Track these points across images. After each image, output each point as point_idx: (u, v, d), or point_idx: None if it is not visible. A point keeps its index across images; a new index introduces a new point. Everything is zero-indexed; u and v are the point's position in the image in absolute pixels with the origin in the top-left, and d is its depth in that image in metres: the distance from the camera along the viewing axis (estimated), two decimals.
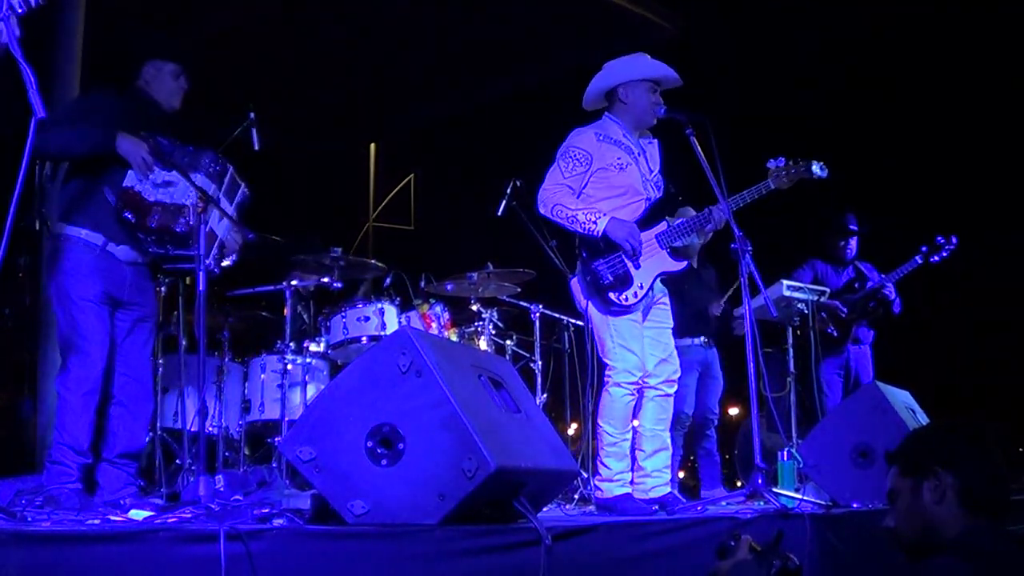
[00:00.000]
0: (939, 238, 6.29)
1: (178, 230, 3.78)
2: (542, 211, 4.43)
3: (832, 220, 6.84)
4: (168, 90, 4.16)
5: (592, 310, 4.43)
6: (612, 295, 4.32)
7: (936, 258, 6.29)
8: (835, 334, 6.56)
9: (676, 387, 4.50)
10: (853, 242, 6.83)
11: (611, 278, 4.32)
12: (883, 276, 6.69)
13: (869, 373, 6.68)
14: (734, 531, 2.58)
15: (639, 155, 4.48)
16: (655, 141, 4.61)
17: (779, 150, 4.50)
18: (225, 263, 4.96)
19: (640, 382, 4.35)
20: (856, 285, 6.70)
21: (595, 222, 4.28)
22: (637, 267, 4.33)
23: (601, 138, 4.42)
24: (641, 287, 4.33)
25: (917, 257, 6.36)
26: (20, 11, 2.88)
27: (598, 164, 4.38)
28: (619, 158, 4.40)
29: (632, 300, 4.32)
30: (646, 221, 4.41)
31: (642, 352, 4.35)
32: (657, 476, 4.40)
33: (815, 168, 4.44)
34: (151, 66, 4.14)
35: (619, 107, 4.49)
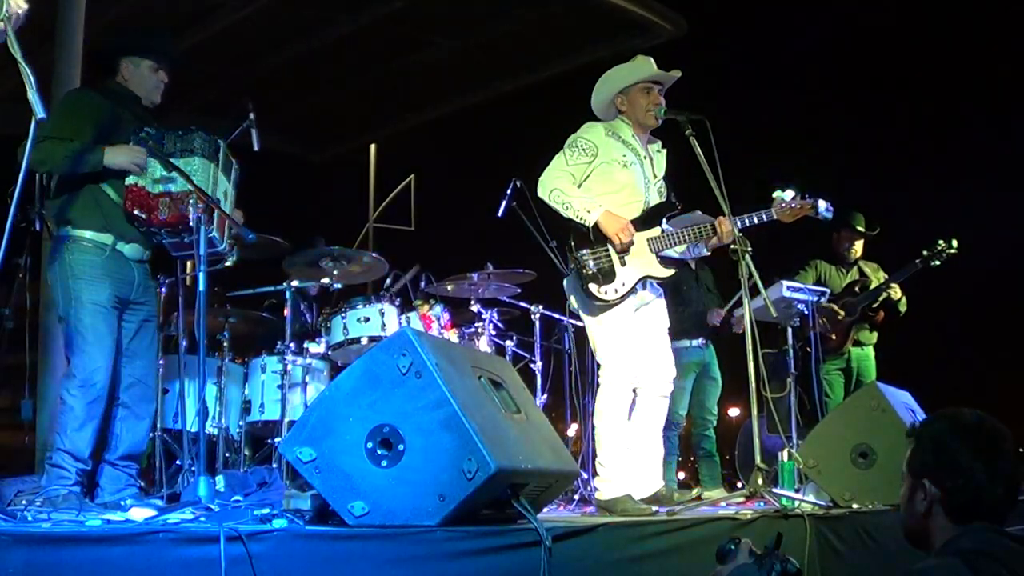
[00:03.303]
0: (939, 241, 6.29)
1: (191, 216, 3.77)
2: (540, 193, 4.46)
3: (840, 220, 6.83)
4: (148, 86, 4.16)
5: (580, 309, 4.45)
6: (592, 287, 4.33)
7: (937, 261, 6.29)
8: (833, 337, 6.55)
9: (671, 388, 4.51)
10: (859, 243, 6.83)
11: (594, 269, 4.33)
12: (885, 279, 6.69)
13: (872, 375, 6.67)
14: (733, 535, 2.57)
15: (645, 159, 4.54)
16: (665, 150, 4.65)
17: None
18: (227, 264, 4.96)
19: (634, 381, 4.36)
20: (857, 288, 6.70)
21: (589, 211, 4.31)
22: (623, 264, 4.34)
23: (610, 134, 4.50)
24: (623, 284, 4.34)
25: (917, 260, 6.36)
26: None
27: (603, 158, 4.42)
28: (624, 155, 4.46)
29: (613, 296, 4.33)
30: (642, 223, 4.43)
31: (635, 352, 4.36)
32: (650, 476, 4.42)
33: (821, 208, 4.42)
34: (129, 62, 4.13)
35: (624, 114, 4.57)
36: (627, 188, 4.43)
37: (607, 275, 4.33)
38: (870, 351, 6.75)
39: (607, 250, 4.34)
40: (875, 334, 6.74)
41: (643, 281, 4.40)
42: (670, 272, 4.44)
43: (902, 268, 6.50)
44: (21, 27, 2.84)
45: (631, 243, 4.32)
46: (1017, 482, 2.22)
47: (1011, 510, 2.22)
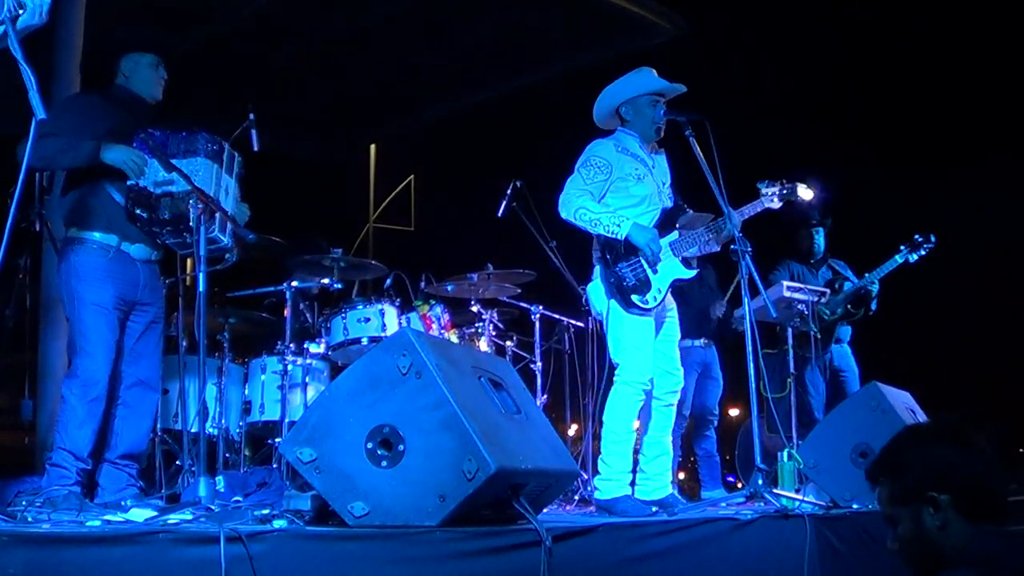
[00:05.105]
0: (917, 236, 6.27)
1: (192, 216, 3.76)
2: (564, 215, 4.48)
3: (798, 219, 6.87)
4: (149, 83, 4.15)
5: (613, 307, 4.46)
6: (635, 297, 4.40)
7: (915, 256, 6.28)
8: (818, 336, 6.53)
9: (679, 397, 4.55)
10: (820, 235, 6.82)
11: (634, 281, 4.40)
12: (865, 276, 6.65)
13: (853, 370, 6.67)
14: None
15: (652, 168, 4.58)
16: (663, 153, 4.69)
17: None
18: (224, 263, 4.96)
19: (647, 385, 4.38)
20: (836, 285, 6.69)
21: (619, 225, 4.37)
22: (655, 272, 4.42)
23: (620, 149, 4.53)
24: (660, 291, 4.42)
25: (897, 256, 6.35)
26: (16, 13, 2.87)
27: (617, 174, 4.47)
28: (636, 169, 4.51)
29: (652, 303, 4.40)
30: (660, 229, 4.49)
31: (650, 359, 4.39)
32: (657, 480, 4.46)
33: (799, 190, 4.54)
34: (128, 60, 4.13)
35: (627, 124, 4.59)
36: (644, 200, 4.50)
37: (644, 284, 4.41)
38: (846, 347, 6.73)
39: (639, 260, 4.41)
40: (849, 329, 6.73)
41: (671, 285, 4.48)
42: (693, 272, 4.53)
43: (881, 264, 6.47)
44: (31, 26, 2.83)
45: (659, 251, 4.40)
46: (995, 448, 2.22)
47: (1009, 481, 2.22)
